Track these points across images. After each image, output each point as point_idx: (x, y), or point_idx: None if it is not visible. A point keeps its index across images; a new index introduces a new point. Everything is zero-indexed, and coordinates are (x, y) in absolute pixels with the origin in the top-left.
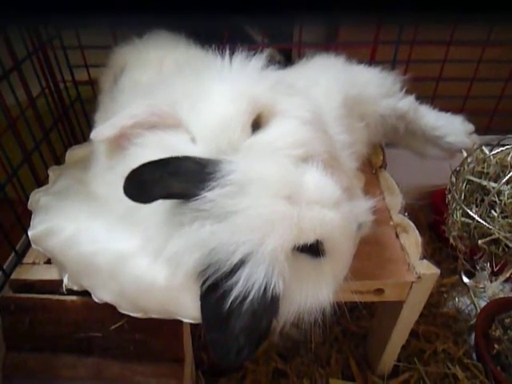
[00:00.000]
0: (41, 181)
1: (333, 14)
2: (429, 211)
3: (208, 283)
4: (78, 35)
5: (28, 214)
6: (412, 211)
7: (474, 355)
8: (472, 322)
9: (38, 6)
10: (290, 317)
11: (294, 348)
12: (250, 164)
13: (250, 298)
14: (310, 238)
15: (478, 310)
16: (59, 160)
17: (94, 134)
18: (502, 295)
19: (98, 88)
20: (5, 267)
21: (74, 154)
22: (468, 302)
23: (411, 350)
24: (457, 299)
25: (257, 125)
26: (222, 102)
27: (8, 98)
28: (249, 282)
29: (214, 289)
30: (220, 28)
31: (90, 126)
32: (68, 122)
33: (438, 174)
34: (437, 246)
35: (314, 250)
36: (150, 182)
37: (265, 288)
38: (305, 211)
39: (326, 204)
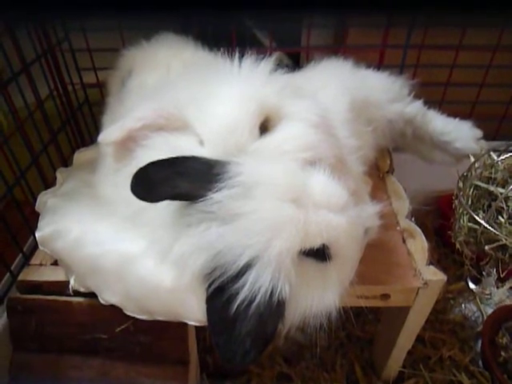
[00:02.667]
0: (48, 183)
1: (342, 12)
2: (435, 217)
3: (214, 286)
4: (87, 38)
5: (35, 216)
6: (418, 216)
7: (481, 362)
8: (478, 329)
9: (45, 3)
10: (296, 321)
11: (298, 352)
12: (258, 166)
13: (256, 301)
14: (316, 242)
15: (485, 317)
16: (67, 162)
17: (101, 137)
18: (508, 302)
19: (105, 90)
20: (12, 268)
21: (81, 156)
22: (474, 308)
23: (417, 356)
24: (463, 306)
25: (264, 128)
26: (230, 104)
27: (16, 100)
28: (255, 286)
29: (220, 292)
30: (228, 31)
31: (97, 128)
32: (76, 124)
33: (444, 179)
34: (443, 251)
35: (320, 254)
36: (158, 181)
37: (271, 292)
38: (311, 215)
39: (333, 208)
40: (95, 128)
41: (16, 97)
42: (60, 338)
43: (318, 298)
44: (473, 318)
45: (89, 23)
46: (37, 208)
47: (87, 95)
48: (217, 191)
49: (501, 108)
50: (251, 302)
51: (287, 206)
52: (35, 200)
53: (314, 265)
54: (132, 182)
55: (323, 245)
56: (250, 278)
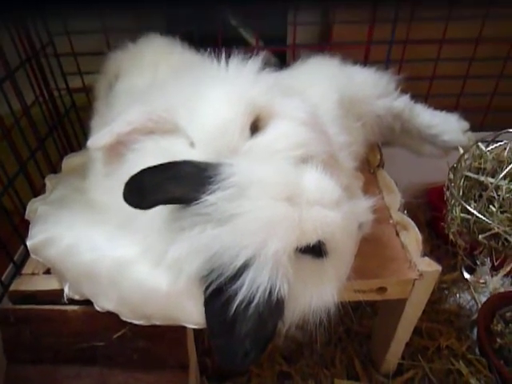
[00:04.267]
0: (37, 190)
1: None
2: (426, 209)
3: (212, 288)
4: (71, 42)
5: (25, 225)
6: (410, 209)
7: (477, 350)
8: (474, 318)
9: None
10: (295, 318)
11: (298, 350)
12: (250, 167)
13: (255, 301)
14: (312, 239)
15: (479, 306)
16: (55, 168)
17: (90, 142)
18: (502, 290)
19: (92, 95)
20: (3, 279)
21: (70, 161)
22: (469, 297)
23: (415, 347)
24: (458, 295)
25: (255, 127)
26: (219, 105)
27: (2, 107)
28: (253, 286)
29: (218, 294)
30: (214, 31)
31: (85, 133)
32: (63, 129)
33: (434, 171)
34: (435, 243)
35: (316, 250)
36: (150, 188)
37: (270, 291)
38: (306, 212)
39: (327, 204)
40: (83, 133)
41: (1, 104)
42: (56, 348)
43: (316, 294)
44: (468, 307)
45: (72, 26)
46: (27, 216)
47: (74, 100)
48: (210, 193)
49: (486, 99)
50: (250, 302)
51: (281, 204)
52: (24, 208)
53: (311, 261)
54: (124, 191)
55: (319, 241)
56: (248, 278)
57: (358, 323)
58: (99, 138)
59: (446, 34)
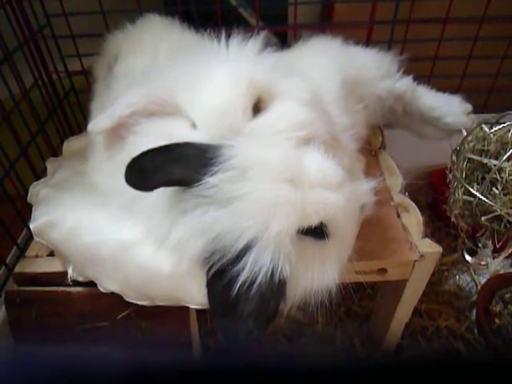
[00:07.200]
0: (38, 174)
1: None
2: (427, 191)
3: (214, 270)
4: (69, 23)
5: (27, 208)
6: (411, 191)
7: (476, 330)
8: (473, 299)
9: None
10: (297, 299)
11: (299, 329)
12: (252, 148)
13: (258, 282)
14: (313, 221)
15: (479, 287)
16: (56, 152)
17: (91, 126)
18: (502, 271)
19: (92, 77)
20: (7, 261)
21: (71, 145)
22: (468, 279)
23: (414, 327)
24: (457, 277)
25: (257, 109)
26: (221, 86)
27: (1, 91)
28: (255, 267)
29: (220, 275)
30: (213, 11)
31: (85, 116)
32: (63, 113)
33: (436, 153)
34: (436, 225)
35: (318, 232)
36: (152, 170)
37: (272, 272)
38: (308, 194)
39: (329, 186)
40: (83, 116)
41: (0, 87)
42: (60, 329)
43: (317, 275)
44: (467, 289)
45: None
46: (29, 199)
47: (73, 83)
48: (212, 175)
49: (489, 80)
50: (252, 282)
51: (283, 186)
52: (26, 192)
53: (313, 243)
54: (126, 172)
55: (321, 223)
56: (250, 259)
57: (358, 304)
58: (100, 121)
59: (449, 13)
